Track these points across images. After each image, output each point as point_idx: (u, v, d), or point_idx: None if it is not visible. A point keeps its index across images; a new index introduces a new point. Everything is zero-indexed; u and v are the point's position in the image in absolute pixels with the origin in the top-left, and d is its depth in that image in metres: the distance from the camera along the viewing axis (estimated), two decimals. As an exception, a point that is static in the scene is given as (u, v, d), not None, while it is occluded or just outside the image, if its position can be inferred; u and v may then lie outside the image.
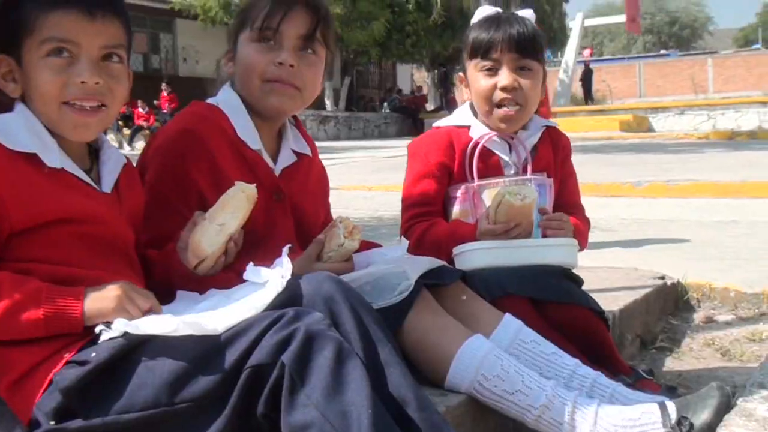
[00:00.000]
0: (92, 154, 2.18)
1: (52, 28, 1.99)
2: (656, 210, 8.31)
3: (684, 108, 25.71)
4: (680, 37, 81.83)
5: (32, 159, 1.97)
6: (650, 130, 24.44)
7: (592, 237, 2.94)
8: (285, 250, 2.09)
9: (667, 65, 49.55)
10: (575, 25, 31.25)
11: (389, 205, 8.81)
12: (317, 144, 2.90)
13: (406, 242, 2.61)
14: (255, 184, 2.17)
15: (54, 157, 2.01)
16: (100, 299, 1.89)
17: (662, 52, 63.34)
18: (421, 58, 37.56)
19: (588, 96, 37.91)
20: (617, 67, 50.69)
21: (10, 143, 1.95)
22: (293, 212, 2.63)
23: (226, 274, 2.21)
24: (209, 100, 2.63)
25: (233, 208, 2.13)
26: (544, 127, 3.13)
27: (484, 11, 3.09)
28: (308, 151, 2.76)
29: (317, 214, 2.78)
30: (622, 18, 35.11)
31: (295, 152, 2.71)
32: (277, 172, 2.63)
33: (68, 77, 1.99)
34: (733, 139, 19.30)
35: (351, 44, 30.69)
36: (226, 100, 2.61)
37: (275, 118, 2.65)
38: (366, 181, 11.61)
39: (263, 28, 2.53)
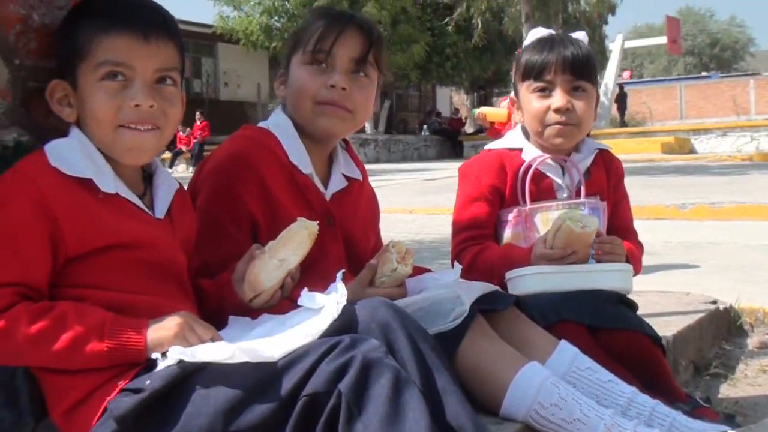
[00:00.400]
0: (146, 179, 2.18)
1: (107, 52, 2.00)
2: (702, 233, 8.22)
3: (726, 129, 25.53)
4: (721, 58, 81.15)
5: (87, 184, 1.97)
6: (692, 152, 24.27)
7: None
8: (339, 275, 2.06)
9: (708, 87, 49.13)
10: (615, 47, 31.19)
11: (430, 227, 8.80)
12: (358, 167, 2.89)
13: (459, 267, 2.58)
14: (317, 222, 2.14)
15: (108, 182, 2.01)
16: (162, 329, 1.89)
17: (703, 73, 62.84)
18: (461, 81, 37.55)
19: (622, 118, 37.66)
20: (658, 89, 50.35)
21: (66, 168, 1.95)
22: (344, 237, 2.61)
23: (280, 301, 2.19)
24: (260, 124, 2.63)
25: (295, 245, 2.11)
26: (597, 150, 3.09)
27: (537, 33, 3.07)
28: (359, 176, 2.75)
29: (367, 238, 2.76)
30: (662, 39, 35.00)
31: (345, 176, 2.70)
32: (328, 197, 2.62)
33: (123, 101, 2.00)
34: (777, 161, 19.11)
35: (391, 67, 30.77)
36: (277, 123, 2.60)
37: (326, 141, 2.63)
38: (407, 203, 11.59)
39: (316, 51, 2.53)
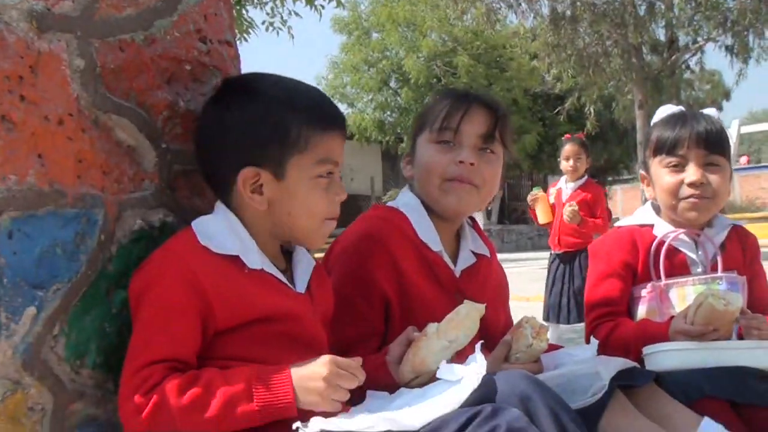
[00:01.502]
0: (286, 255, 2.24)
1: (327, 151, 2.12)
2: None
3: None
4: (843, 141, 79.21)
5: (234, 261, 2.03)
6: (816, 236, 23.53)
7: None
8: (478, 346, 2.06)
9: (830, 171, 47.82)
10: (732, 132, 30.52)
11: (522, 314, 8.66)
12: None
13: (595, 342, 2.55)
14: (485, 304, 2.17)
15: (254, 258, 2.07)
16: (308, 391, 1.90)
17: (824, 157, 61.28)
18: (574, 170, 37.42)
19: None
20: (777, 174, 49.19)
21: (215, 247, 2.02)
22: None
23: None
24: (389, 204, 2.67)
25: (466, 328, 2.13)
26: (731, 226, 3.04)
27: (667, 110, 3.07)
28: (487, 252, 2.76)
29: (497, 315, 2.75)
30: (780, 124, 34.32)
31: (474, 253, 2.71)
32: (458, 273, 2.63)
33: (332, 197, 2.15)
34: None
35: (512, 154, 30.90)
36: (406, 202, 2.65)
37: (454, 218, 2.66)
38: (523, 291, 11.48)
39: (443, 128, 2.58)
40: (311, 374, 1.91)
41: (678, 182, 2.91)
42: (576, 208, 6.84)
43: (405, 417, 1.84)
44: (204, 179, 2.23)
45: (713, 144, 2.90)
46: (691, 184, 2.89)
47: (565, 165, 7.18)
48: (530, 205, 7.20)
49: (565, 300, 6.92)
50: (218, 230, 2.06)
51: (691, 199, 2.90)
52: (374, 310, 2.44)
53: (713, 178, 2.90)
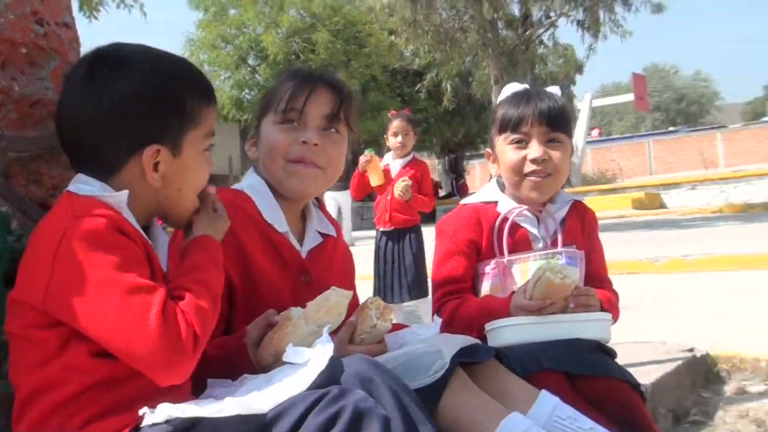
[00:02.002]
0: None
1: (211, 124, 2.14)
2: (675, 285, 8.28)
3: (696, 183, 25.78)
4: (688, 113, 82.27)
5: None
6: (663, 206, 24.46)
7: (614, 315, 2.94)
8: (326, 329, 2.08)
9: (676, 142, 49.68)
10: (583, 105, 31.46)
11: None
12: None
13: (438, 320, 2.61)
14: (352, 291, 2.23)
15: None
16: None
17: (671, 128, 63.52)
18: (432, 146, 37.78)
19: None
20: (626, 146, 50.85)
21: (123, 209, 2.00)
22: (320, 293, 2.62)
23: None
24: (235, 186, 2.66)
25: (337, 314, 2.17)
26: (572, 201, 3.15)
27: (512, 88, 3.15)
28: (333, 232, 2.78)
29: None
30: (629, 97, 35.37)
31: (320, 234, 2.74)
32: (304, 254, 2.65)
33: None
34: (746, 212, 19.28)
35: (362, 134, 31.04)
36: (251, 184, 2.65)
37: (298, 200, 2.68)
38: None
39: (287, 110, 2.58)
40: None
41: (521, 159, 3.00)
42: (409, 183, 6.81)
43: (254, 400, 1.86)
44: (78, 161, 2.09)
45: (555, 121, 3.01)
46: (533, 160, 2.98)
47: (393, 141, 7.09)
48: (361, 169, 6.99)
49: (398, 279, 6.91)
50: (99, 189, 2.00)
51: (533, 177, 3.00)
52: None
53: (555, 155, 3.00)
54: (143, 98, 2.02)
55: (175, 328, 1.81)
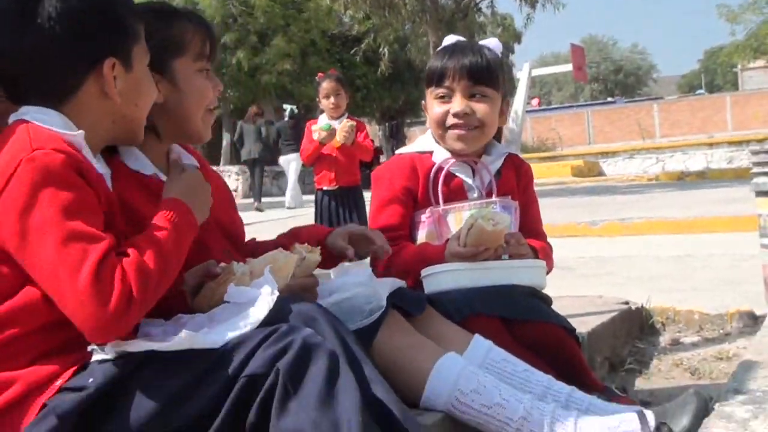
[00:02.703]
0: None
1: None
2: (613, 248, 8.36)
3: (633, 152, 26.11)
4: (626, 84, 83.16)
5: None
6: (601, 174, 24.73)
7: (551, 274, 2.94)
8: (267, 269, 2.06)
9: (614, 112, 50.13)
10: (523, 75, 31.39)
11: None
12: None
13: (367, 263, 2.59)
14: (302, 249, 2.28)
15: (97, 163, 2.02)
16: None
17: (609, 99, 64.20)
18: (372, 112, 37.74)
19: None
20: (566, 116, 51.19)
21: (80, 143, 1.93)
22: (215, 223, 2.49)
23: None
24: None
25: (286, 273, 2.17)
26: (506, 154, 3.14)
27: (448, 40, 3.12)
28: (196, 163, 2.59)
29: (233, 220, 2.65)
30: (568, 67, 35.52)
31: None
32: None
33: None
34: (682, 180, 19.57)
35: (302, 99, 30.84)
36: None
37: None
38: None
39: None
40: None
41: (444, 112, 2.98)
42: (353, 124, 6.80)
43: (206, 336, 1.85)
44: (22, 93, 2.00)
45: (478, 75, 2.97)
46: (455, 114, 2.96)
47: (326, 103, 6.98)
48: (323, 141, 6.81)
49: None
50: (62, 124, 1.93)
51: (456, 130, 2.98)
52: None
53: (479, 107, 2.97)
54: (85, 15, 1.97)
55: (108, 285, 1.75)
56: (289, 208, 18.60)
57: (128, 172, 2.26)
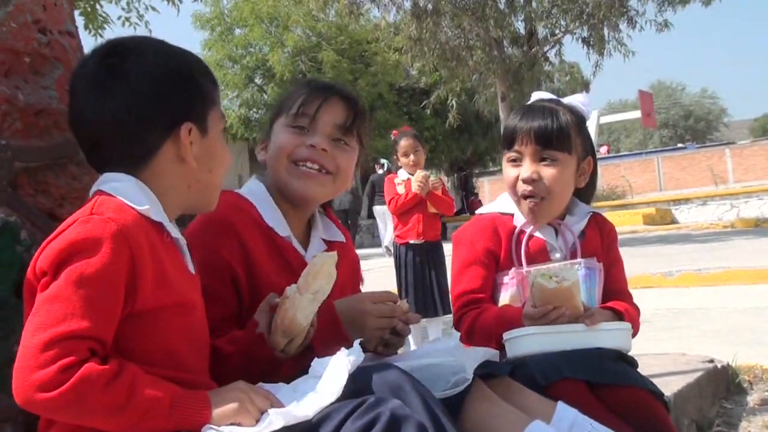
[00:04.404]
0: None
1: (220, 104, 2.14)
2: (690, 299, 8.22)
3: (706, 198, 25.68)
4: (696, 130, 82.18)
5: (158, 228, 1.95)
6: (673, 222, 24.38)
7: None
8: (357, 342, 2.04)
9: (685, 158, 49.52)
10: (591, 123, 31.28)
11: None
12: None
13: (457, 334, 2.56)
14: (335, 252, 2.21)
15: (172, 227, 2.01)
16: (225, 401, 1.87)
17: (679, 145, 63.44)
18: (440, 163, 37.81)
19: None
20: (635, 163, 50.69)
21: (139, 206, 1.90)
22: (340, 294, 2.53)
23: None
24: (236, 191, 2.61)
25: (327, 275, 2.14)
26: (590, 214, 3.08)
27: (534, 96, 3.10)
28: (341, 238, 2.73)
29: (356, 292, 2.72)
30: (637, 114, 35.34)
31: (326, 241, 2.68)
32: (308, 260, 2.58)
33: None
34: (758, 227, 19.21)
35: (371, 153, 31.09)
36: (250, 189, 2.62)
37: (303, 205, 2.63)
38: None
39: (299, 114, 2.57)
40: (227, 395, 1.89)
41: (515, 177, 2.96)
42: (428, 173, 6.84)
43: (296, 409, 1.85)
44: (103, 160, 2.02)
45: (546, 140, 2.92)
46: (524, 180, 2.93)
47: (405, 161, 7.01)
48: (423, 193, 6.76)
49: (431, 292, 6.84)
50: (135, 194, 1.93)
51: (527, 202, 2.94)
52: (229, 291, 2.38)
53: (547, 173, 2.92)
54: (166, 78, 2.00)
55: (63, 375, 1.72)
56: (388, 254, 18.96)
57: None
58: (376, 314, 2.43)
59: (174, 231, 2.01)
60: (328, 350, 2.06)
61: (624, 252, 3.15)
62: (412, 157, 6.97)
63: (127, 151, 1.99)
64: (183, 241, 2.09)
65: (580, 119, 3.01)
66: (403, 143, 7.03)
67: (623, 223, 22.22)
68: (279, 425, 1.80)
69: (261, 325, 2.18)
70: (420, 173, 6.81)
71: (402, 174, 7.08)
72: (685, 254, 12.55)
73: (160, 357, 1.92)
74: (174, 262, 1.98)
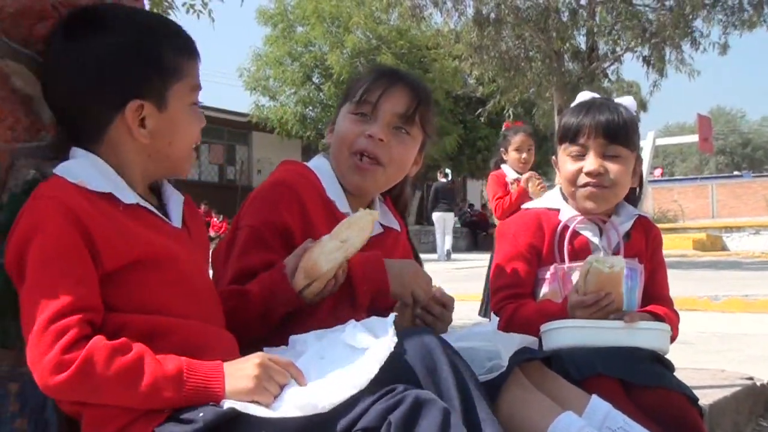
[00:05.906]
0: (154, 192, 2.21)
1: (196, 77, 2.13)
2: (735, 324, 8.11)
3: (759, 228, 25.31)
4: (753, 158, 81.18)
5: (108, 198, 1.97)
6: (724, 249, 24.08)
7: (671, 347, 2.84)
8: (391, 318, 2.02)
9: (740, 186, 48.93)
10: (647, 144, 30.97)
11: (459, 312, 8.73)
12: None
13: (495, 319, 2.56)
14: (377, 211, 2.27)
15: (128, 194, 2.02)
16: (240, 379, 1.87)
17: (735, 173, 62.65)
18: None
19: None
20: (689, 188, 50.19)
21: (87, 184, 1.95)
22: None
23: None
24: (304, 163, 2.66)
25: (359, 229, 2.16)
26: (637, 216, 3.08)
27: (582, 96, 3.09)
28: (397, 227, 2.75)
29: None
30: (694, 138, 34.89)
31: (382, 225, 2.70)
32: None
33: (200, 124, 2.17)
34: (812, 260, 18.92)
35: (425, 159, 30.98)
36: (317, 165, 2.67)
37: (359, 194, 2.66)
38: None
39: (361, 101, 2.59)
40: (243, 369, 1.89)
41: (577, 170, 2.95)
42: (537, 175, 6.52)
43: (316, 399, 1.81)
44: (64, 124, 2.12)
45: (614, 134, 2.92)
46: (588, 173, 2.93)
47: (515, 157, 6.69)
48: (536, 195, 6.20)
49: None
50: (85, 171, 1.98)
51: (588, 188, 2.94)
52: (279, 243, 2.43)
53: (613, 167, 2.93)
54: (121, 54, 2.02)
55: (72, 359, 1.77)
56: (447, 259, 21.11)
57: None
58: (421, 273, 2.50)
59: (131, 197, 2.02)
60: (366, 283, 2.24)
61: (671, 274, 3.13)
62: (524, 155, 6.74)
63: (81, 127, 2.06)
64: (173, 199, 2.18)
65: (635, 119, 3.02)
66: (518, 139, 6.78)
67: (673, 246, 21.97)
68: (292, 414, 1.79)
69: (289, 266, 2.23)
70: (531, 175, 6.51)
71: (509, 172, 6.80)
72: (734, 280, 12.39)
73: (150, 309, 1.96)
74: (140, 222, 2.00)
